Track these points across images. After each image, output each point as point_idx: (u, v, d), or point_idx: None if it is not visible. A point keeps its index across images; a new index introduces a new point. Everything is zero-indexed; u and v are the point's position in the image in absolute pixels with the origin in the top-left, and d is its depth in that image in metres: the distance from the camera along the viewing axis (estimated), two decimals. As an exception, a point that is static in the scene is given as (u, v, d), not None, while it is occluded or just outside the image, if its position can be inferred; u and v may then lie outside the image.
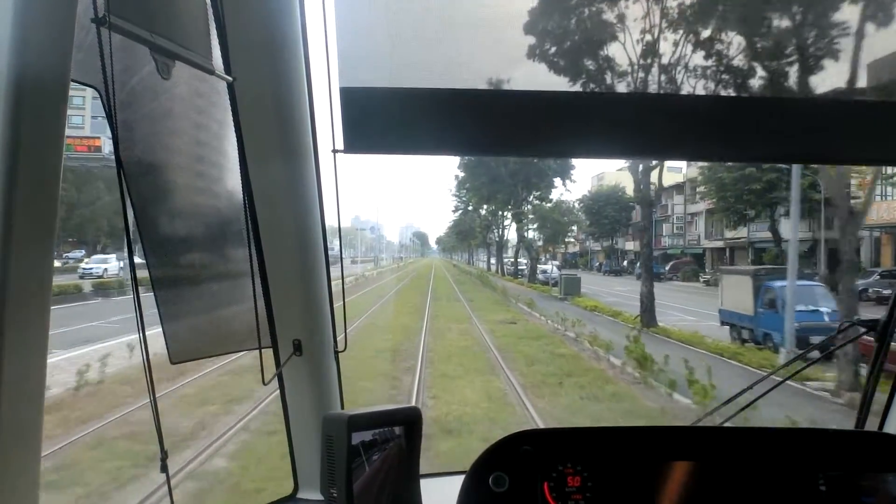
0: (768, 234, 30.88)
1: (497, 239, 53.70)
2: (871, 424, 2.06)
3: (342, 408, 1.96)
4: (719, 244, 40.49)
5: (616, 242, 53.45)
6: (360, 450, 1.41)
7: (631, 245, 52.28)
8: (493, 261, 60.74)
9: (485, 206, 47.91)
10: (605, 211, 46.55)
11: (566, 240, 50.82)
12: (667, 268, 42.33)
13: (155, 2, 1.10)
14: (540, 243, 45.24)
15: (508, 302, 28.29)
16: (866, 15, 1.50)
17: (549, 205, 41.74)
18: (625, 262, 52.75)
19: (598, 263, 55.46)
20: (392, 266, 79.14)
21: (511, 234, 49.59)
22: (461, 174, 43.18)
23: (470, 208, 52.09)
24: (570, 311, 22.02)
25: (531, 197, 41.24)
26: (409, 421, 1.53)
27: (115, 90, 1.02)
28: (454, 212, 55.85)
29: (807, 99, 1.56)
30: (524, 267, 45.24)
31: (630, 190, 47.50)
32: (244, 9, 1.54)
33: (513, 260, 51.90)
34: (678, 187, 46.08)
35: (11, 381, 0.93)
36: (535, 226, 42.41)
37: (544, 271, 40.49)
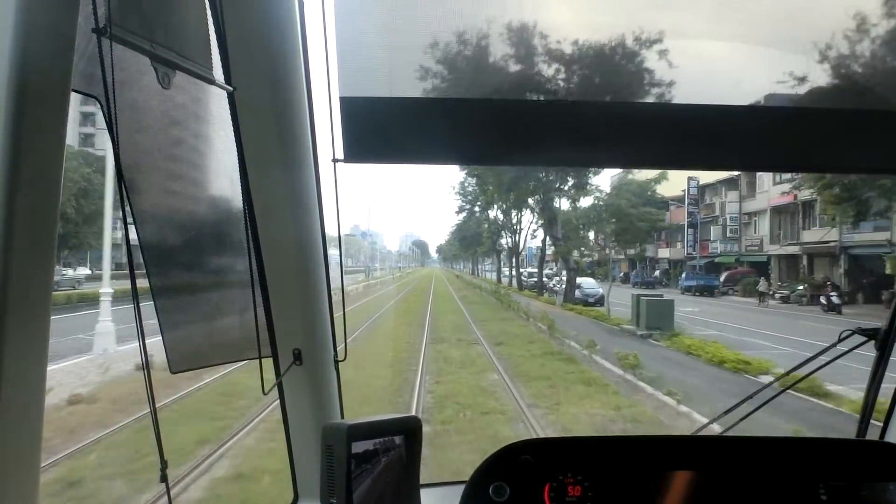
0: (874, 237, 23.44)
1: (510, 245, 45.20)
2: (873, 434, 2.05)
3: (342, 417, 1.95)
4: (793, 250, 31.74)
5: (644, 249, 43.93)
6: (360, 459, 1.41)
7: (666, 252, 44.88)
8: (505, 271, 53.22)
9: (495, 206, 40.87)
10: (628, 214, 39.13)
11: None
12: (721, 279, 35.17)
13: (156, 12, 1.11)
14: (550, 250, 37.95)
15: (565, 346, 16.04)
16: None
17: (605, 193, 32.04)
18: (656, 272, 44.70)
19: (621, 274, 46.55)
20: (387, 277, 67.19)
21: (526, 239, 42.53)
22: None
23: (477, 208, 45.03)
24: (679, 365, 13.25)
25: (566, 186, 31.34)
26: (410, 430, 1.53)
27: (115, 100, 1.03)
28: (458, 213, 48.53)
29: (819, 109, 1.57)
30: (542, 279, 37.80)
31: (662, 188, 37.19)
32: (244, 19, 1.55)
33: (530, 271, 43.52)
34: (730, 182, 38.10)
35: (11, 386, 0.93)
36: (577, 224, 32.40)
37: (578, 286, 30.82)
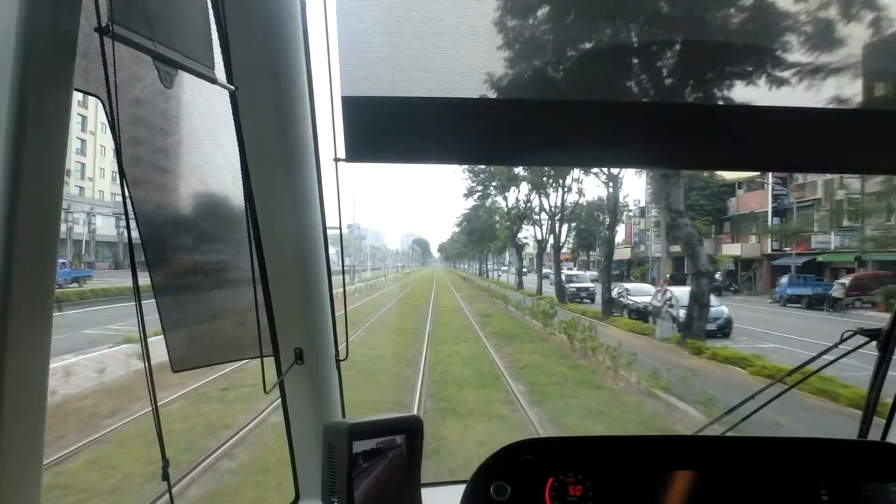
0: None
1: (539, 238, 33.55)
2: (874, 434, 2.05)
3: (343, 416, 1.96)
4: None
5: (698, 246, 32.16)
6: (362, 458, 1.41)
7: (735, 248, 33.42)
8: (530, 273, 42.20)
9: (519, 187, 31.26)
10: (685, 201, 26.50)
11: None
12: (845, 284, 23.21)
13: (158, 11, 1.11)
14: (565, 248, 30.41)
15: None
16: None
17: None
18: (717, 275, 29.60)
19: (666, 276, 32.71)
20: (378, 279, 52.25)
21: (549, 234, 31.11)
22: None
23: (492, 190, 34.74)
24: None
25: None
26: (411, 429, 1.53)
27: (118, 99, 1.03)
28: (466, 197, 36.68)
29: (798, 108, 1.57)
30: (608, 287, 23.08)
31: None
32: (246, 18, 1.55)
33: (567, 273, 31.60)
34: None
35: (14, 384, 0.93)
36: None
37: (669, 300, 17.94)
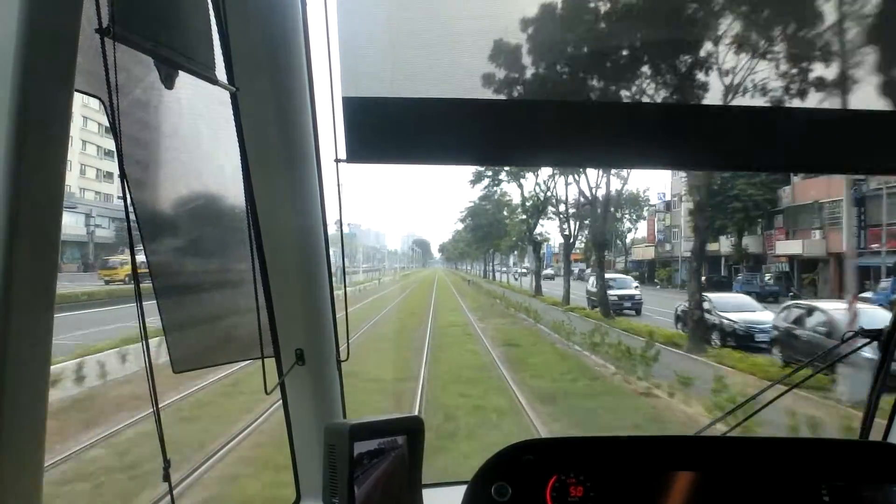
0: None
1: (566, 233, 27.36)
2: (876, 435, 2.05)
3: (344, 417, 1.96)
4: None
5: (743, 244, 28.50)
6: (363, 459, 1.41)
7: (792, 245, 26.92)
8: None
9: (538, 172, 25.86)
10: (728, 190, 24.80)
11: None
12: None
13: (159, 12, 1.11)
14: (580, 245, 26.02)
15: None
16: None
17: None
18: (767, 276, 27.47)
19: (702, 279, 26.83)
20: (371, 282, 45.73)
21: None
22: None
23: (504, 175, 29.22)
24: None
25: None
26: (412, 430, 1.53)
27: (118, 100, 1.03)
28: (473, 184, 31.68)
29: (804, 109, 1.57)
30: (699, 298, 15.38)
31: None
32: (247, 19, 1.55)
33: (612, 275, 25.28)
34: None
35: (14, 386, 0.93)
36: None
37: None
